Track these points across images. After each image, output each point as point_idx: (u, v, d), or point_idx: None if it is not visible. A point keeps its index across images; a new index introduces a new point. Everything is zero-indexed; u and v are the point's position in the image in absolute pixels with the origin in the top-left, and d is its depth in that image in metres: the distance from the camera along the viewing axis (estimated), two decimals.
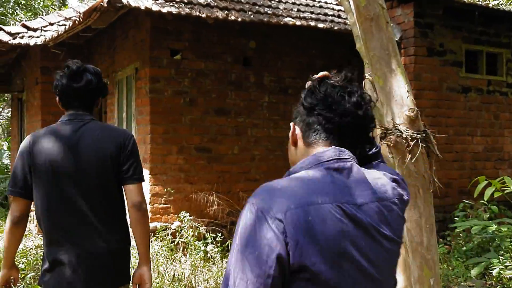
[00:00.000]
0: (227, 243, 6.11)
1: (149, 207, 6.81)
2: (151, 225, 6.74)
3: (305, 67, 8.19)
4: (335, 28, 7.38)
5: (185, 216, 6.58)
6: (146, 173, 6.91)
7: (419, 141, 2.15)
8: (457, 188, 7.60)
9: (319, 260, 1.15)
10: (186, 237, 6.43)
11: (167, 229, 6.75)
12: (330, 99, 1.35)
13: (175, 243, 6.50)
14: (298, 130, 1.42)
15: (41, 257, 2.94)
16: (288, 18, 7.06)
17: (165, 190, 6.86)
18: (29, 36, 8.27)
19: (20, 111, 11.18)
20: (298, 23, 7.07)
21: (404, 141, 2.14)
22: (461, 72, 7.73)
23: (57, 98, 2.58)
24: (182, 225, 6.64)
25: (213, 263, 6.19)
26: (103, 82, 2.62)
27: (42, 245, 2.63)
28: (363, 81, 2.96)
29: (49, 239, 2.49)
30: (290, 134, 1.44)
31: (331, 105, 1.34)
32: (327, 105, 1.34)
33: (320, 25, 7.25)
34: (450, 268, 5.93)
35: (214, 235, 6.40)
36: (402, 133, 2.14)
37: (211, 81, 7.33)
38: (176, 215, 6.90)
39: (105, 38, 8.58)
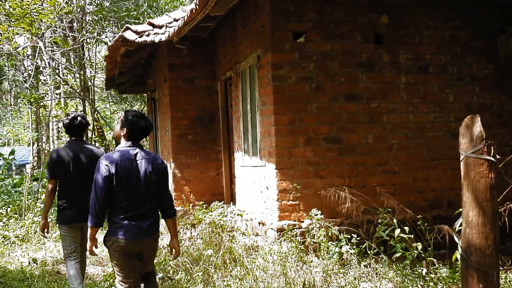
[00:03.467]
0: (364, 245, 5.37)
1: (277, 204, 6.32)
2: (280, 223, 6.25)
3: (448, 41, 7.11)
4: None
5: (316, 214, 5.96)
6: (272, 167, 6.43)
7: None
8: None
9: (118, 172, 3.79)
10: (318, 237, 5.82)
11: (296, 227, 6.20)
12: (131, 123, 3.93)
13: (306, 243, 5.92)
14: (124, 132, 3.96)
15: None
16: None
17: (293, 185, 6.32)
18: (155, 34, 8.25)
19: (154, 109, 11.45)
20: None
21: None
22: None
23: (65, 130, 5.19)
24: (313, 224, 6.03)
25: (349, 267, 5.50)
26: (87, 121, 5.19)
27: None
28: None
29: None
30: (121, 132, 3.96)
31: (131, 125, 3.93)
32: (130, 125, 3.93)
33: None
34: None
35: (349, 236, 5.70)
36: None
37: (339, 64, 6.61)
38: (306, 213, 6.33)
39: (227, 28, 8.29)
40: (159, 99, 10.51)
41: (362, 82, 6.70)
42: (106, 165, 3.78)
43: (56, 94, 20.89)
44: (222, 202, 7.58)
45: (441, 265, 5.12)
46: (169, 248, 4.18)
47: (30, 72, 22.12)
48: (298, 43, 6.46)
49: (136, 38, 8.08)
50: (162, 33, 8.21)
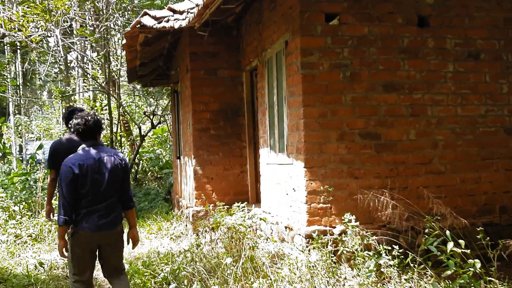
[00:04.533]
0: (409, 259, 4.60)
1: (305, 207, 5.61)
2: (309, 228, 5.55)
3: (503, 24, 6.27)
4: None
5: (350, 220, 5.23)
6: (300, 166, 5.72)
7: None
8: None
9: (84, 169, 4.10)
10: (352, 246, 5.09)
11: (327, 234, 5.48)
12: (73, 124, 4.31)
13: (338, 252, 5.20)
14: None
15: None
16: None
17: (324, 186, 5.60)
18: (175, 19, 7.63)
19: (176, 103, 10.87)
20: None
21: None
22: None
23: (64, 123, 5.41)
24: (347, 230, 5.31)
25: (388, 281, 4.76)
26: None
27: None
28: None
29: None
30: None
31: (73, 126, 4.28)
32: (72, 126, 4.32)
33: None
34: None
35: (389, 246, 4.95)
36: None
37: (377, 49, 5.84)
38: (338, 218, 5.60)
39: (253, 13, 7.60)
40: (181, 91, 9.91)
41: (404, 70, 5.91)
42: (69, 166, 4.11)
43: (87, 88, 20.60)
44: (246, 203, 6.90)
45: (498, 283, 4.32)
46: (129, 238, 4.47)
47: (60, 66, 21.96)
48: (330, 26, 5.72)
49: (155, 24, 7.47)
50: (183, 19, 7.59)
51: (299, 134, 5.77)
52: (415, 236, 5.47)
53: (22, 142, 26.32)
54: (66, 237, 4.17)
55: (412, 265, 4.63)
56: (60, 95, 17.55)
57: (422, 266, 4.49)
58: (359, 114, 5.77)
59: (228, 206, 7.04)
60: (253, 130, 8.43)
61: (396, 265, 4.78)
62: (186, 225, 8.57)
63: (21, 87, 23.13)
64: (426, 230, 4.53)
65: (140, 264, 5.83)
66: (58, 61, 20.18)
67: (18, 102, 24.95)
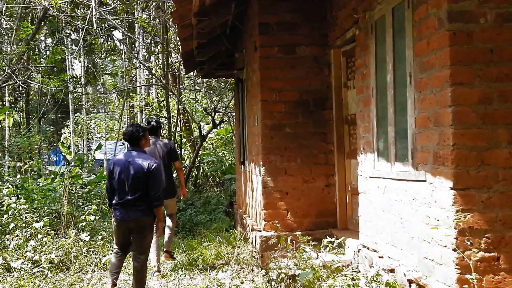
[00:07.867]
0: None
1: (453, 256, 3.29)
2: None
3: None
4: None
5: None
6: (444, 185, 3.42)
7: None
8: None
9: (115, 168, 5.12)
10: None
11: None
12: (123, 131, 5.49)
13: None
14: None
15: None
16: None
17: (488, 222, 3.27)
18: None
19: (241, 95, 8.80)
20: None
21: None
22: None
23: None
24: None
25: None
26: (159, 124, 6.89)
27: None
28: None
29: None
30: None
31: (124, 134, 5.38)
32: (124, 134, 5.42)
33: None
34: None
35: None
36: None
37: None
38: (511, 275, 3.27)
39: None
40: (247, 78, 7.81)
41: None
42: (109, 163, 5.31)
43: (147, 82, 19.14)
44: (336, 238, 4.67)
45: None
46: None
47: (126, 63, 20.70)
48: None
49: None
50: None
51: (441, 132, 3.47)
52: None
53: (83, 142, 25.32)
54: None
55: None
56: (115, 90, 16.03)
57: None
58: None
59: (310, 237, 4.88)
60: (343, 128, 6.19)
61: None
62: (252, 255, 6.43)
63: (83, 83, 22.03)
64: None
65: None
66: (120, 51, 18.77)
67: (78, 100, 23.92)
